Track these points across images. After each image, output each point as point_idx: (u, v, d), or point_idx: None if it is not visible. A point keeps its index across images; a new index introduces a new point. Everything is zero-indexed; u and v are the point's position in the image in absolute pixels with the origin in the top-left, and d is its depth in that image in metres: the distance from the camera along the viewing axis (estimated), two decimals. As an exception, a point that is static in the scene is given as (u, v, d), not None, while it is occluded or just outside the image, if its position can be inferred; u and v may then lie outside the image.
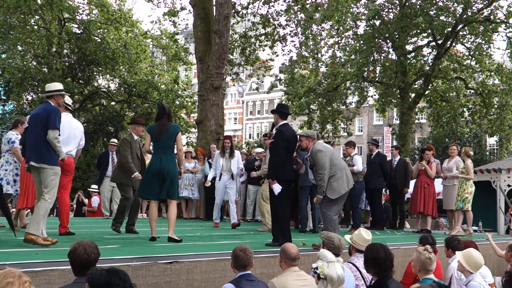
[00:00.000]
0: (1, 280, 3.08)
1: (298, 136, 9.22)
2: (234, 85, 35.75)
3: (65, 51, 33.73)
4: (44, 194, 7.34)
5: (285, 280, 5.65)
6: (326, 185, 8.67)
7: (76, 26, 33.72)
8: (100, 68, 34.00)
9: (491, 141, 36.17)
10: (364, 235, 6.48)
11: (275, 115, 9.14)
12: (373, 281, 5.24)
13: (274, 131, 9.16)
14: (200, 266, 6.63)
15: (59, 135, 7.44)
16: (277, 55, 29.73)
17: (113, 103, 36.20)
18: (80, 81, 34.97)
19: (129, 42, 32.33)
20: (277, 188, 8.68)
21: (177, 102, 33.78)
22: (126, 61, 32.45)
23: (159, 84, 33.68)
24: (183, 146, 13.32)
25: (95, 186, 19.78)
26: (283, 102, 33.40)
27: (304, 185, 12.19)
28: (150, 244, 8.10)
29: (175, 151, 9.05)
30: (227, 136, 13.95)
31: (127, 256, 6.48)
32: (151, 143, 8.97)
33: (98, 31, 33.15)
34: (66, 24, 32.52)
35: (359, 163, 13.35)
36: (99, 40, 32.98)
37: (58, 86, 7.97)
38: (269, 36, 28.12)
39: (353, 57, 29.17)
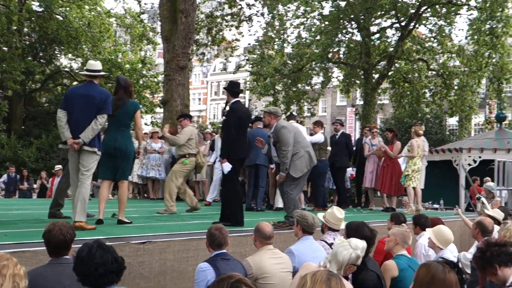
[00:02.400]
0: None
1: (263, 112, 9.23)
2: (201, 65, 35.54)
3: (26, 29, 32.98)
4: (85, 180, 7.33)
5: (260, 259, 5.71)
6: (289, 163, 8.64)
7: (37, 4, 33.03)
8: (62, 47, 33.37)
9: (452, 121, 36.70)
10: (337, 213, 6.56)
11: (226, 93, 9.08)
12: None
13: (227, 109, 9.06)
14: (173, 246, 6.66)
15: None
16: (243, 36, 29.67)
17: (75, 83, 35.56)
18: (42, 60, 34.33)
19: (92, 21, 31.79)
20: (227, 167, 8.55)
21: (142, 82, 33.43)
22: (89, 40, 31.87)
23: (123, 63, 33.26)
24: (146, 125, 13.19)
25: (59, 166, 19.57)
26: (248, 83, 33.36)
27: (248, 164, 12.39)
28: (122, 225, 8.06)
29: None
30: None
31: (99, 237, 6.45)
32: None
33: (60, 9, 32.50)
34: (27, 1, 31.77)
35: (315, 137, 13.17)
36: (61, 18, 32.34)
37: (100, 65, 7.92)
38: (235, 16, 28.01)
39: (318, 38, 29.23)
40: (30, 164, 27.60)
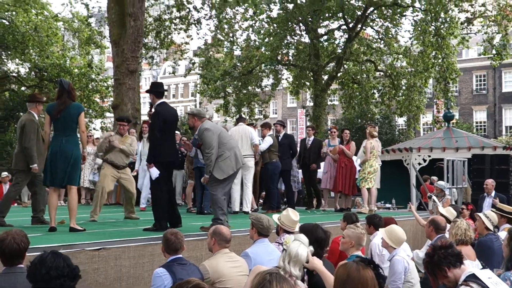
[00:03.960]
0: None
1: (188, 114, 9.02)
2: (150, 68, 35.25)
3: (-29, 34, 32.19)
4: None
5: (216, 262, 5.71)
6: (213, 165, 8.44)
7: (-18, 8, 32.30)
8: (9, 52, 32.67)
9: (400, 121, 37.36)
10: (292, 216, 6.60)
11: (150, 95, 8.78)
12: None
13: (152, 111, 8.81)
14: (128, 252, 6.63)
15: None
16: (192, 39, 29.58)
17: (23, 88, 34.92)
18: (-12, 65, 33.58)
19: (40, 25, 31.16)
20: (154, 172, 8.35)
21: (91, 86, 32.96)
22: (36, 44, 31.23)
23: (72, 68, 32.73)
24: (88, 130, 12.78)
25: (6, 173, 19.14)
26: (198, 85, 33.22)
27: (195, 166, 12.44)
28: (75, 233, 7.93)
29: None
30: (144, 121, 13.94)
31: (53, 244, 6.39)
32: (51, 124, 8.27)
33: (6, 13, 31.78)
34: (-29, 6, 31.07)
35: (265, 143, 13.03)
36: (7, 23, 31.65)
37: None
38: (183, 20, 27.90)
39: (267, 40, 29.34)
40: (-23, 170, 26.96)
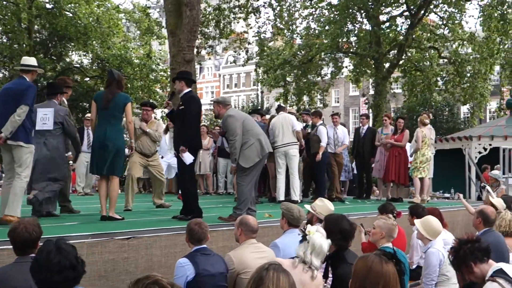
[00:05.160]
0: None
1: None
2: (210, 58, 35.36)
3: (36, 26, 33.04)
4: (19, 173, 7.12)
5: (242, 253, 5.60)
6: (238, 153, 8.25)
7: (47, 1, 33.08)
8: (72, 44, 33.42)
9: (464, 109, 36.31)
10: (329, 205, 6.47)
11: (180, 83, 8.58)
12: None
13: (173, 100, 8.92)
14: (160, 241, 6.58)
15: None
16: (251, 28, 29.48)
17: (86, 78, 35.72)
18: (52, 57, 34.36)
19: (101, 16, 31.74)
20: (189, 158, 8.18)
21: (152, 77, 33.39)
22: (98, 36, 31.83)
23: (133, 58, 33.22)
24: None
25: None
26: (260, 74, 33.05)
27: None
28: (110, 221, 7.95)
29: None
30: (168, 114, 13.87)
31: (83, 233, 6.39)
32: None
33: (69, 5, 32.48)
34: (35, -1, 31.84)
35: (324, 136, 12.66)
36: (71, 15, 32.34)
37: (34, 61, 7.73)
38: (242, 8, 27.86)
39: (327, 28, 28.98)
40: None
